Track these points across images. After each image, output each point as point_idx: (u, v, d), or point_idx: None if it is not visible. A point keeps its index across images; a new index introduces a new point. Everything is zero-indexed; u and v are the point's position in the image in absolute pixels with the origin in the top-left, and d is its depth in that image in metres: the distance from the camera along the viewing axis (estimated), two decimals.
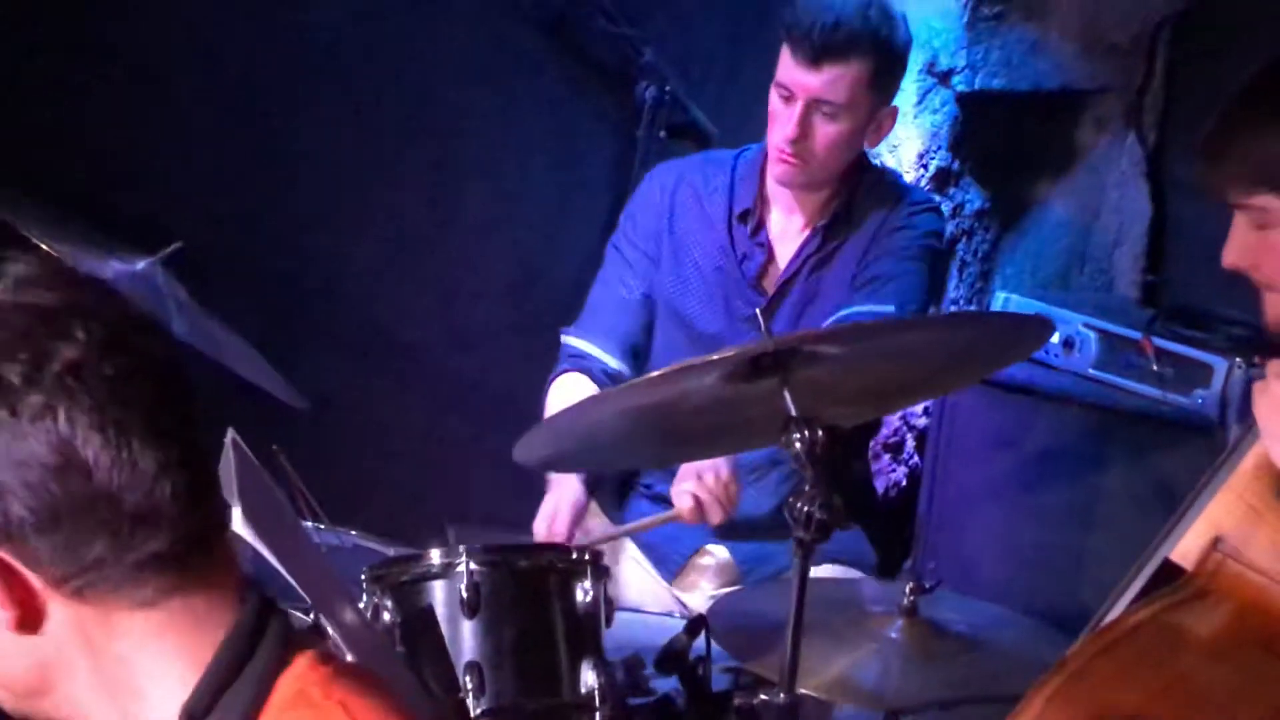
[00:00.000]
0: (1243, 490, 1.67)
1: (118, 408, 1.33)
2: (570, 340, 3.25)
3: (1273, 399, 1.93)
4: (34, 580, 1.36)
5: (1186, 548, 1.70)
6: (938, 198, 4.12)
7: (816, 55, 2.96)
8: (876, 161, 3.35)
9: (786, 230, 3.22)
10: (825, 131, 3.03)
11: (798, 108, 3.00)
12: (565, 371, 3.21)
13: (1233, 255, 2.14)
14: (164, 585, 1.38)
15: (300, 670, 1.42)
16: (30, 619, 1.37)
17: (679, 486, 2.87)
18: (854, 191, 3.18)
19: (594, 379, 3.17)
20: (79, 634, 1.38)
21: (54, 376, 1.32)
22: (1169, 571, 1.71)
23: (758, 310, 2.50)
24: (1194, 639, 1.63)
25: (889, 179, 3.31)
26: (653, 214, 3.26)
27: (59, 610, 1.37)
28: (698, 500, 2.83)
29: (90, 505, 1.33)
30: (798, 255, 3.18)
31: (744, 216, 3.20)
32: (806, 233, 3.19)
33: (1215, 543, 1.67)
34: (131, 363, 1.36)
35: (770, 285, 3.19)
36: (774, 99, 3.07)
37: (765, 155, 3.17)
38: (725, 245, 3.21)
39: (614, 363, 3.20)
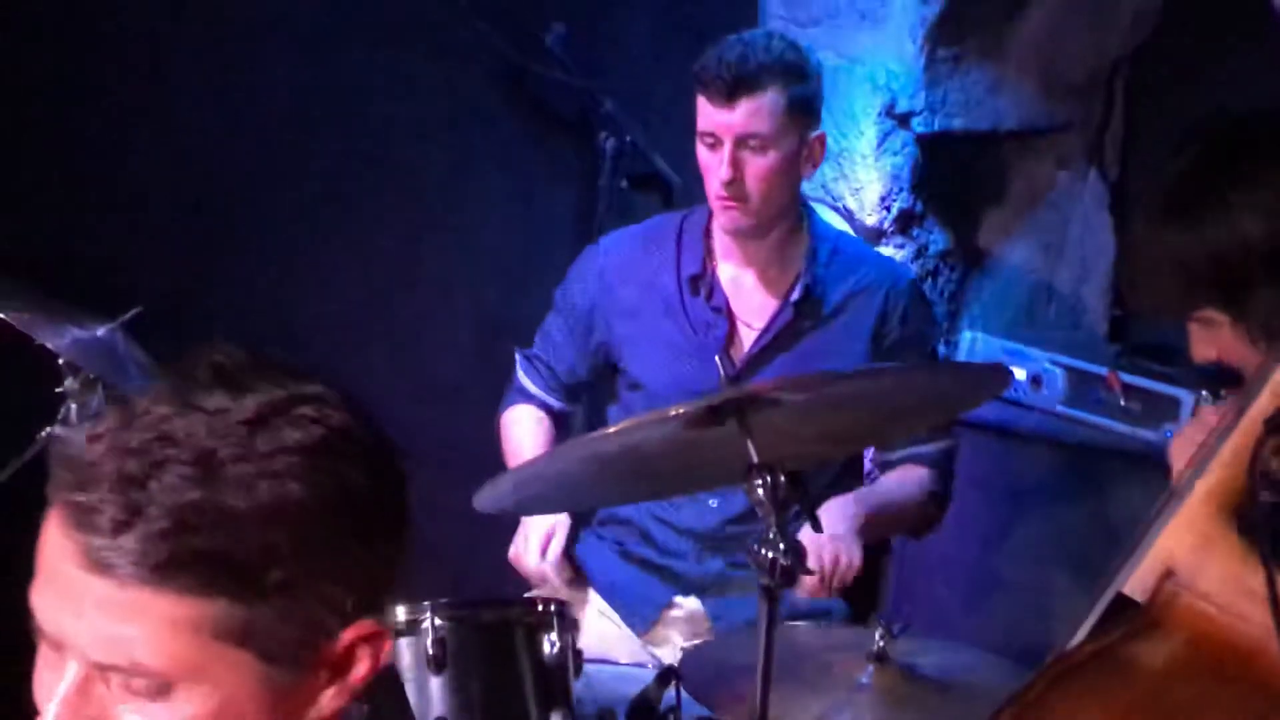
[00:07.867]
0: (1193, 519, 1.67)
1: None
2: (520, 378, 3.36)
3: (1183, 439, 2.02)
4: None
5: (1139, 580, 1.69)
6: (901, 239, 4.13)
7: (731, 91, 2.98)
8: (817, 211, 3.34)
9: (742, 288, 3.20)
10: (757, 165, 3.02)
11: (726, 149, 3.01)
12: (515, 404, 3.34)
13: (1200, 354, 2.18)
14: None
15: None
16: None
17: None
18: (813, 261, 3.17)
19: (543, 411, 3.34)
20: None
21: None
22: (1123, 605, 1.70)
23: (717, 357, 2.49)
24: (1145, 670, 1.63)
25: (844, 244, 3.30)
26: (584, 296, 3.27)
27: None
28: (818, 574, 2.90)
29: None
30: (769, 328, 3.16)
31: (694, 283, 3.18)
32: (776, 303, 3.17)
33: (1167, 574, 1.66)
34: None
35: (738, 354, 3.16)
36: (702, 152, 3.08)
37: (711, 213, 3.17)
38: (680, 318, 3.19)
39: (556, 404, 3.35)
